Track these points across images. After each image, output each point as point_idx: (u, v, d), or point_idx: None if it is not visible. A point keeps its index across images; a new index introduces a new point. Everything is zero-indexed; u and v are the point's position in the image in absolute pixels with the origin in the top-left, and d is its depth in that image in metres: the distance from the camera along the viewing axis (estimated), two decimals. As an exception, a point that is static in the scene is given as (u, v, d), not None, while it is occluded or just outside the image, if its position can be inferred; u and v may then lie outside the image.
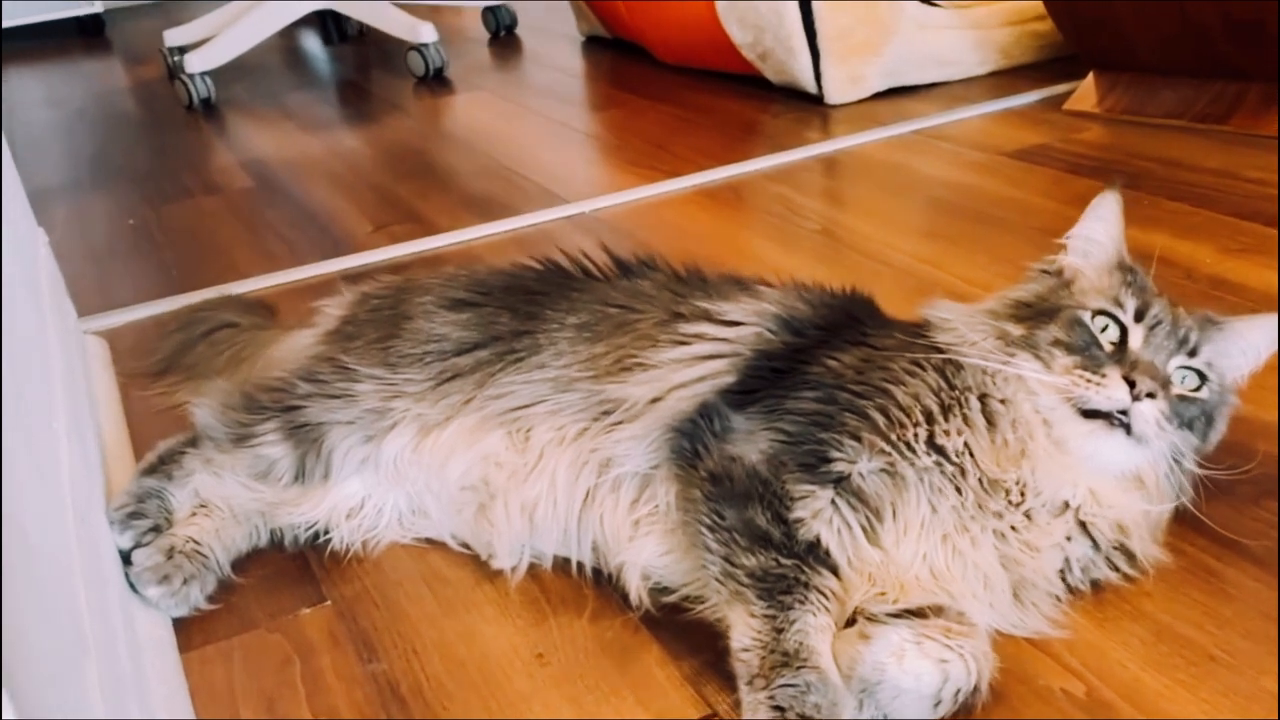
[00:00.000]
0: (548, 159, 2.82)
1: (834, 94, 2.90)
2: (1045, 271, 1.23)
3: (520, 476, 1.22)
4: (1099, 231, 1.20)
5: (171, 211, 2.66)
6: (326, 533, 1.28)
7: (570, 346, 1.28)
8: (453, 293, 1.42)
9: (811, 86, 2.93)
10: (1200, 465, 1.13)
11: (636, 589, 1.13)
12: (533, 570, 1.21)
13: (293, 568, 1.27)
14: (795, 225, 2.17)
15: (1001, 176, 2.31)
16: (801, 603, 1.00)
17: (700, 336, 1.25)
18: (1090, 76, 2.66)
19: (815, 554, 1.03)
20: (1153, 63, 2.51)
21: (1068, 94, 2.71)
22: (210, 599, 1.21)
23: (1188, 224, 1.96)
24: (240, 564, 1.26)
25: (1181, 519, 1.15)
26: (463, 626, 1.15)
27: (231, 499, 1.28)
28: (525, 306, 1.36)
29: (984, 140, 2.53)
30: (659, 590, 1.14)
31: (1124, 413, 1.07)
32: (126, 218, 2.63)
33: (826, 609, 1.01)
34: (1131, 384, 1.06)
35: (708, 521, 1.06)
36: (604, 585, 1.18)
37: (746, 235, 2.17)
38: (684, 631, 1.09)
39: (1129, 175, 2.21)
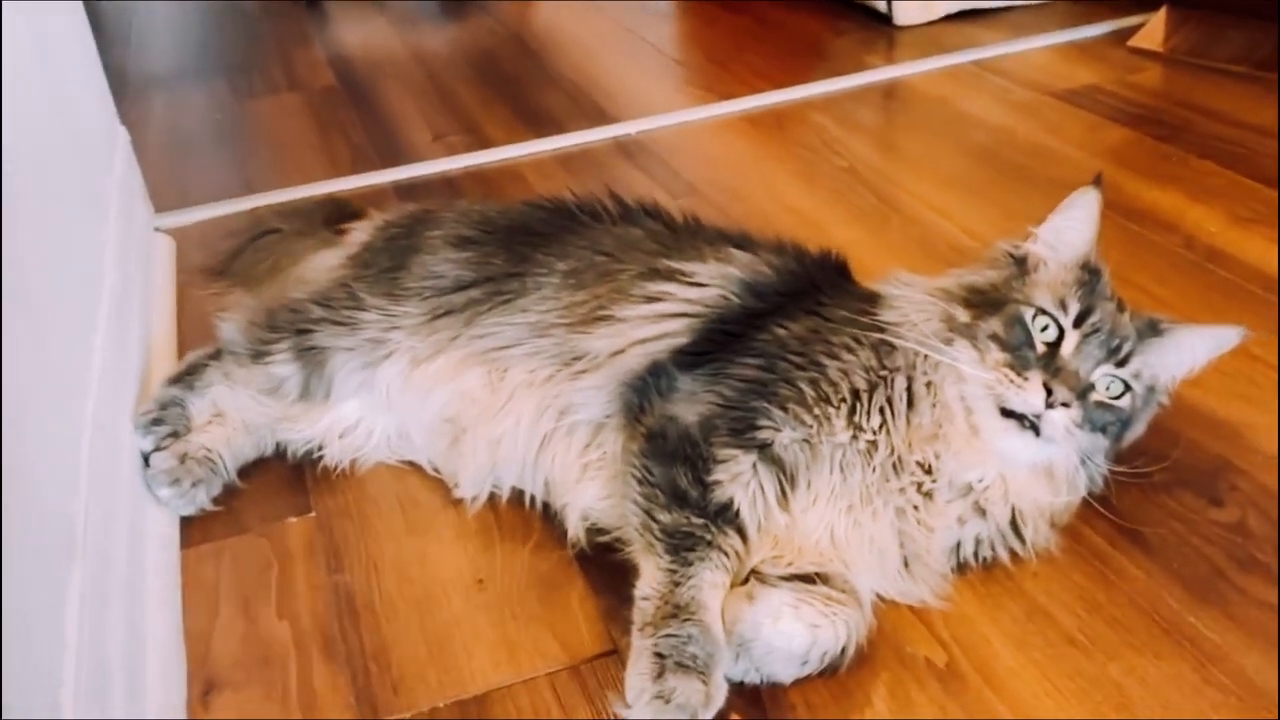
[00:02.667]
0: (609, 72, 2.89)
1: (903, 15, 2.90)
2: (1011, 255, 1.26)
3: (490, 414, 1.34)
4: (1071, 229, 1.22)
5: (255, 107, 2.82)
6: (322, 448, 1.43)
7: (554, 292, 1.39)
8: (461, 229, 1.53)
9: (882, 4, 2.92)
10: (1112, 463, 1.20)
11: (575, 527, 1.26)
12: (492, 499, 1.35)
13: (289, 478, 1.43)
14: (824, 160, 2.22)
15: (1040, 120, 2.32)
16: (702, 560, 1.11)
17: (667, 295, 1.34)
18: (1163, 10, 2.61)
19: (725, 515, 1.14)
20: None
21: (1138, 27, 2.66)
22: (215, 501, 1.38)
23: (1207, 185, 1.97)
24: (245, 470, 1.43)
25: (1089, 501, 1.23)
26: (421, 547, 1.30)
27: (244, 411, 1.44)
28: (522, 248, 1.46)
29: (1037, 76, 2.52)
30: (596, 530, 1.26)
31: (1037, 416, 1.13)
32: (216, 111, 2.80)
33: (725, 567, 1.12)
34: (1049, 391, 1.12)
35: (638, 475, 1.18)
36: (551, 520, 1.31)
37: (774, 169, 2.23)
38: (609, 571, 1.21)
39: (1168, 126, 2.20)
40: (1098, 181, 1.22)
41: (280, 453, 1.45)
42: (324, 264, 1.62)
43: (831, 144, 2.29)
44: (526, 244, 1.47)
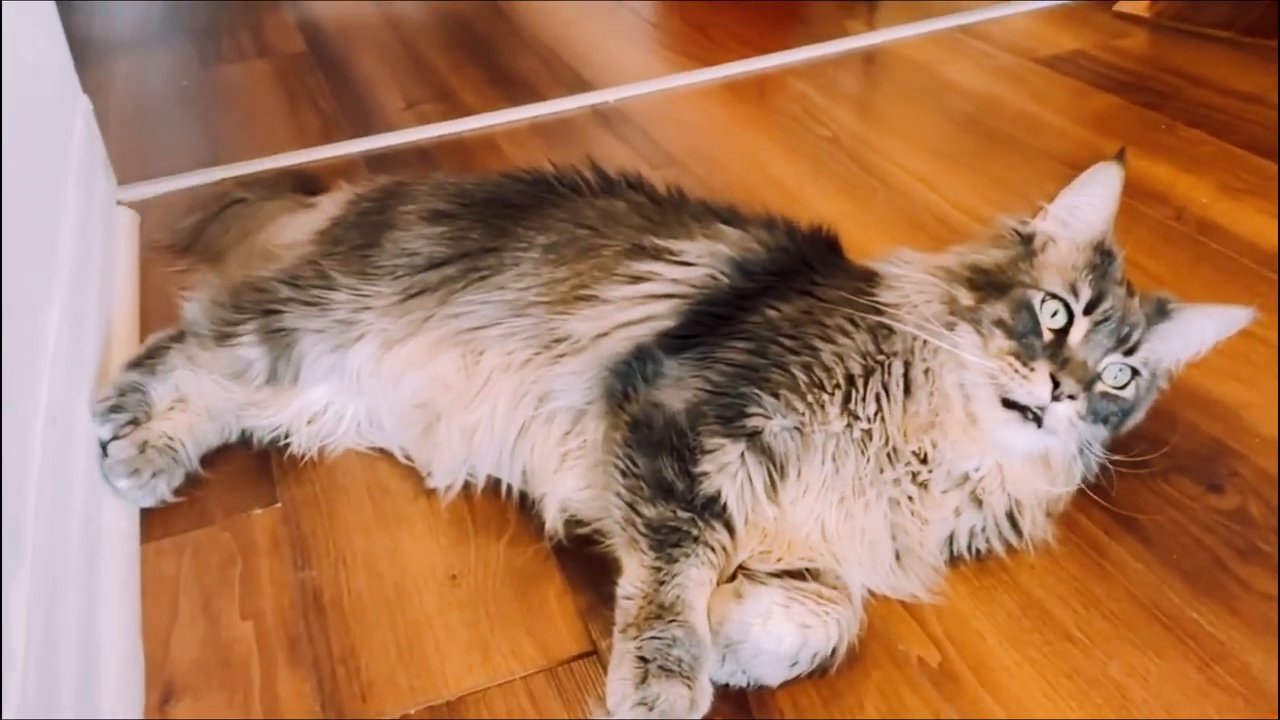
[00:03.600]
0: (585, 37, 2.82)
1: (887, -23, 2.83)
2: (1017, 232, 1.19)
3: (465, 400, 1.29)
4: (1087, 206, 1.16)
5: (222, 73, 2.72)
6: (289, 435, 1.38)
7: (533, 268, 1.33)
8: (435, 203, 1.46)
9: (864, -32, 2.86)
10: (1108, 453, 1.15)
11: (553, 519, 1.21)
12: (466, 488, 1.30)
13: (254, 466, 1.37)
14: (807, 130, 2.17)
15: (1025, 87, 2.27)
16: (688, 556, 1.06)
17: (653, 275, 1.28)
18: (1151, -26, 2.56)
19: (712, 508, 1.09)
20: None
21: (1126, -8, 2.61)
22: (177, 492, 1.32)
23: (1197, 155, 1.92)
24: (209, 459, 1.37)
25: (1084, 490, 1.19)
26: (392, 541, 1.25)
27: (208, 396, 1.38)
28: (499, 221, 1.40)
29: (1021, 42, 2.47)
30: (574, 522, 1.21)
31: (1041, 409, 1.08)
32: (182, 78, 2.71)
33: (712, 564, 1.07)
34: (1056, 384, 1.07)
35: (620, 466, 1.12)
36: (528, 511, 1.26)
37: (755, 139, 2.17)
38: (589, 565, 1.17)
39: (1155, 93, 2.15)
40: (1121, 156, 1.15)
41: (245, 440, 1.39)
42: (291, 236, 1.55)
43: (814, 112, 2.24)
44: (504, 217, 1.41)
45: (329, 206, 1.57)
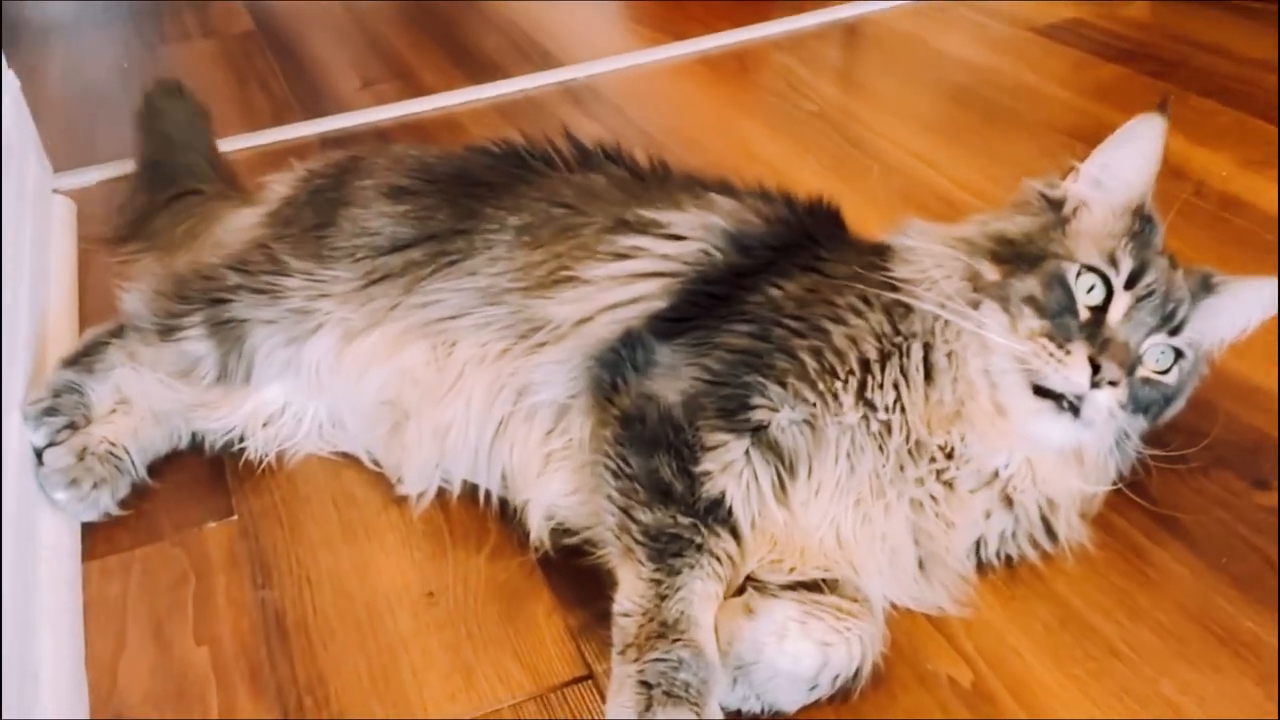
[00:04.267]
0: (552, 12, 2.70)
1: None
2: (1045, 197, 1.08)
3: (436, 396, 1.17)
4: (1126, 165, 1.05)
5: (165, 55, 2.58)
6: (243, 439, 1.25)
7: (507, 251, 1.21)
8: (395, 178, 1.34)
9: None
10: (1145, 446, 1.06)
11: (538, 528, 1.09)
12: (442, 497, 1.18)
13: (207, 475, 1.25)
14: (792, 105, 2.06)
15: (1023, 57, 2.17)
16: (691, 567, 0.95)
17: (640, 251, 1.16)
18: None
19: (716, 513, 0.98)
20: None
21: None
22: (121, 504, 1.19)
23: (1212, 126, 1.83)
24: (158, 467, 1.24)
25: (1119, 489, 1.09)
26: (361, 555, 1.13)
27: (152, 397, 1.25)
28: (468, 200, 1.28)
29: (1014, 11, 2.37)
30: (561, 531, 1.10)
31: (1078, 397, 0.98)
32: (122, 59, 2.56)
33: (718, 575, 0.96)
34: (1096, 368, 0.96)
35: (612, 467, 1.01)
36: (510, 520, 1.14)
37: (737, 115, 2.06)
38: (580, 579, 1.05)
39: (1162, 62, 2.06)
40: (1164, 107, 1.03)
41: (197, 445, 1.27)
42: (242, 223, 1.42)
43: (798, 86, 2.13)
44: (472, 196, 1.29)
45: (280, 187, 1.44)
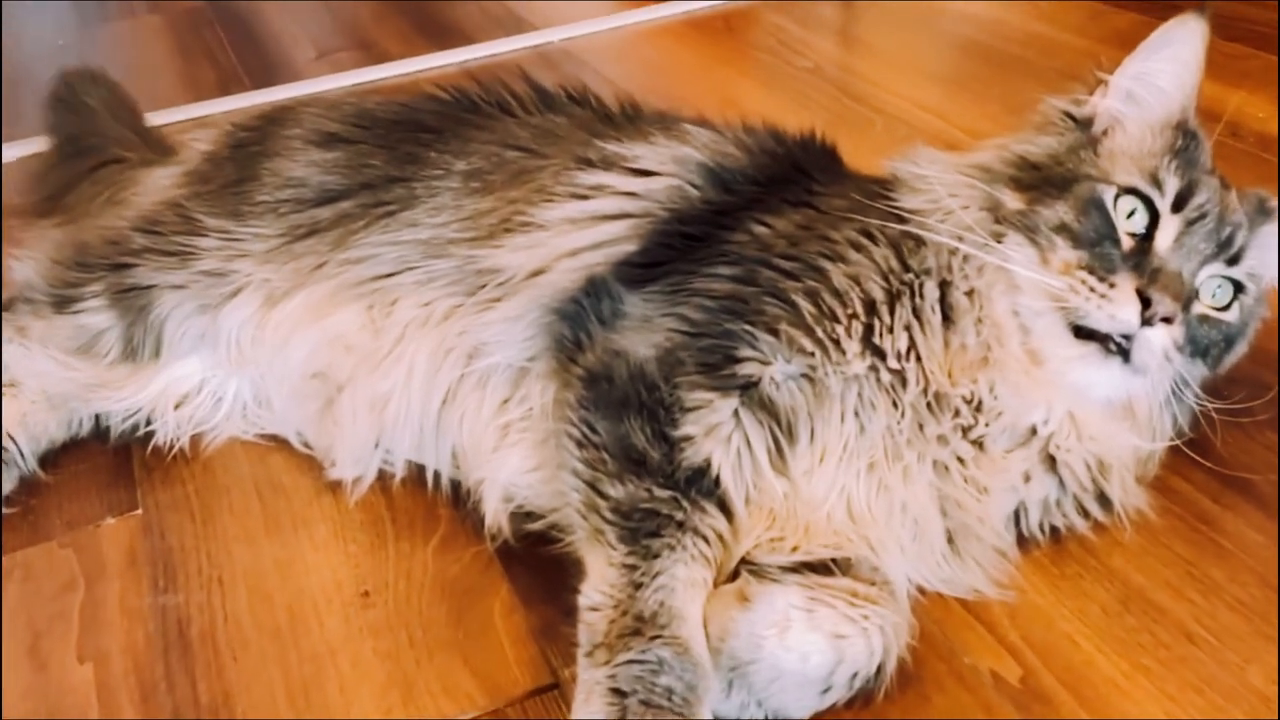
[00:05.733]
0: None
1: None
2: (1069, 116, 0.95)
3: (372, 364, 1.01)
4: (1163, 74, 0.92)
5: (107, 31, 2.42)
6: (152, 423, 1.08)
7: (453, 199, 1.05)
8: (327, 125, 1.18)
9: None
10: (1204, 397, 0.89)
11: (495, 512, 0.93)
12: (382, 480, 1.01)
13: (111, 466, 1.08)
14: (785, 62, 1.90)
15: (1032, 9, 2.03)
16: (672, 549, 0.78)
17: (603, 189, 1.01)
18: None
19: (701, 484, 0.81)
20: None
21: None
22: (8, 501, 1.02)
23: (1241, 69, 1.69)
24: (53, 458, 1.07)
25: (1177, 447, 0.92)
26: (285, 551, 0.96)
27: (46, 378, 1.08)
28: (410, 146, 1.12)
29: (1021, -36, 2.21)
30: (523, 515, 0.93)
31: (1127, 338, 0.83)
32: (58, 37, 2.40)
33: (705, 557, 0.80)
34: (1146, 302, 0.82)
35: (576, 435, 0.85)
36: (463, 504, 0.97)
37: (727, 75, 1.90)
38: (545, 571, 0.88)
39: (1181, 9, 1.88)
40: (1202, 8, 0.90)
41: (101, 433, 1.10)
42: (158, 183, 1.25)
43: (791, 44, 1.97)
44: (415, 141, 1.13)
45: (201, 144, 1.28)
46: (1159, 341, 0.83)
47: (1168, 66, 0.91)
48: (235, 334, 1.07)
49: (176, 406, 1.09)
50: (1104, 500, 0.88)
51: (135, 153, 1.44)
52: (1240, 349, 0.93)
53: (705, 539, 0.79)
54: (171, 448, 1.07)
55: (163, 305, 1.07)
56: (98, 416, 1.10)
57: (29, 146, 1.78)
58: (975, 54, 1.87)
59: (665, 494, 0.80)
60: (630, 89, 1.81)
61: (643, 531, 0.78)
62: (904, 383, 0.85)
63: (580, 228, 0.98)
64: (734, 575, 0.82)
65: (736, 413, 0.83)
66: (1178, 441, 0.90)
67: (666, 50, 2.04)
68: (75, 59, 2.21)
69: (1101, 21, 1.91)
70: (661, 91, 1.82)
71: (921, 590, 0.85)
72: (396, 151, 1.11)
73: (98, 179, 1.42)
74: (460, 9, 2.33)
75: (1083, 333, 0.84)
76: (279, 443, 1.08)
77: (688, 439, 0.82)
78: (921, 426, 0.85)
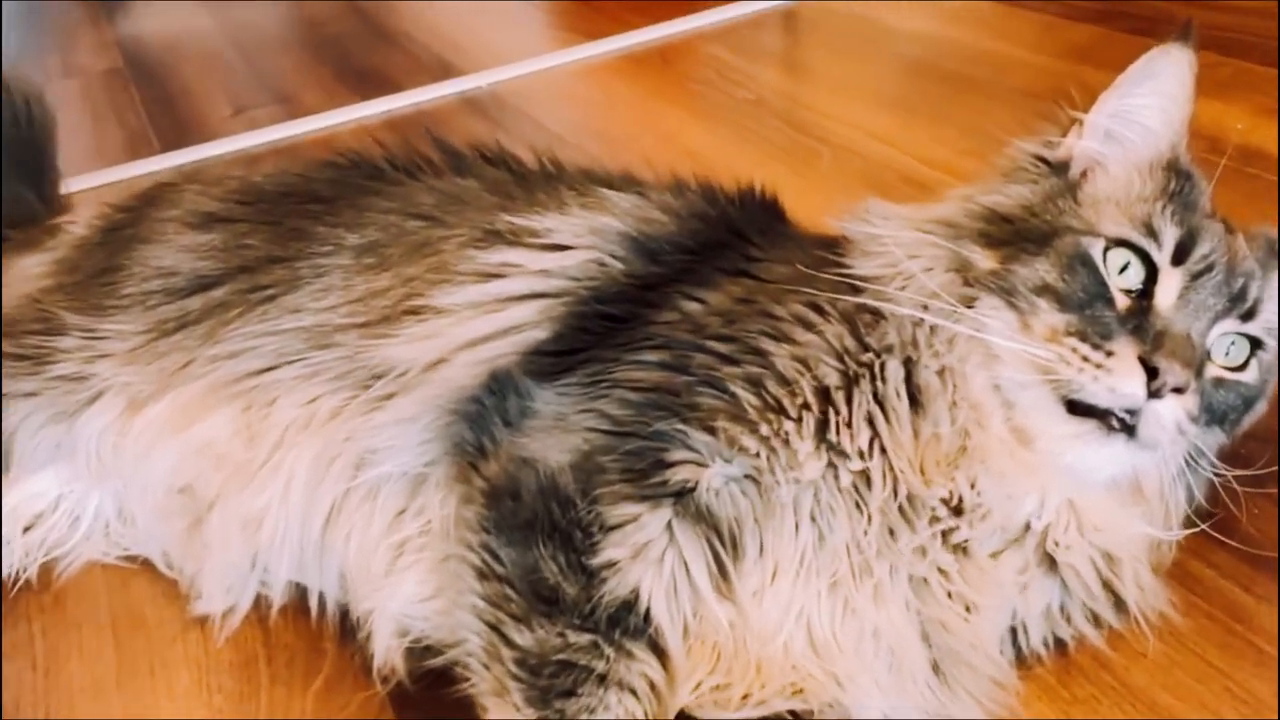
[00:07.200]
0: (457, 24, 2.40)
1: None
2: (1040, 160, 0.82)
3: (245, 476, 0.86)
4: (1146, 110, 0.81)
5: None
6: (-3, 549, 0.93)
7: (343, 279, 0.91)
8: (206, 204, 1.05)
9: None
10: (1222, 467, 0.75)
11: (386, 650, 0.78)
12: (261, 607, 0.86)
13: (-60, 605, 0.91)
14: (725, 94, 1.77)
15: (982, 26, 1.91)
16: (591, 711, 0.64)
17: (510, 268, 0.87)
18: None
19: (627, 621, 0.67)
20: None
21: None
22: None
23: (1214, 78, 1.56)
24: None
25: (1192, 525, 0.77)
26: (139, 703, 0.81)
27: None
28: (296, 220, 0.99)
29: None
30: (422, 649, 0.77)
31: (1131, 412, 0.69)
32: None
33: (634, 716, 0.64)
34: (1152, 372, 0.69)
35: (476, 564, 0.71)
36: (351, 635, 0.82)
37: (664, 109, 1.76)
38: (445, 716, 0.73)
39: (1140, 19, 1.80)
40: (1186, 33, 0.78)
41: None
42: (23, 274, 1.11)
43: (730, 75, 1.84)
44: (303, 215, 1.00)
45: (76, 227, 1.15)
46: (1170, 415, 0.69)
47: (1153, 101, 0.80)
48: (95, 444, 0.92)
49: (26, 530, 0.94)
50: (1118, 602, 0.74)
51: (22, 230, 1.29)
52: (1260, 409, 0.80)
53: (634, 692, 0.65)
54: (18, 577, 0.91)
55: (12, 416, 0.92)
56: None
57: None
58: (926, 76, 1.75)
59: (583, 639, 0.66)
60: (564, 132, 1.70)
61: (555, 691, 0.64)
62: (869, 484, 0.71)
63: (484, 313, 0.84)
64: (669, 732, 0.67)
65: (669, 526, 0.69)
66: (1199, 525, 0.76)
67: (602, 89, 1.91)
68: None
69: (1056, 36, 1.79)
70: (598, 132, 1.70)
71: (902, 727, 0.70)
72: (280, 227, 0.98)
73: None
74: (383, 55, 2.20)
75: (1078, 408, 0.71)
76: (144, 565, 0.92)
77: (610, 565, 0.67)
78: (893, 534, 0.71)
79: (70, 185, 1.68)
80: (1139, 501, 0.75)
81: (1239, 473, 0.76)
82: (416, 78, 2.04)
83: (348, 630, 0.82)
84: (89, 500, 0.94)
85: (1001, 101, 1.55)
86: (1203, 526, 0.76)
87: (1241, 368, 0.75)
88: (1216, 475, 0.76)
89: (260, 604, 0.85)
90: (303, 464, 0.84)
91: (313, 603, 0.84)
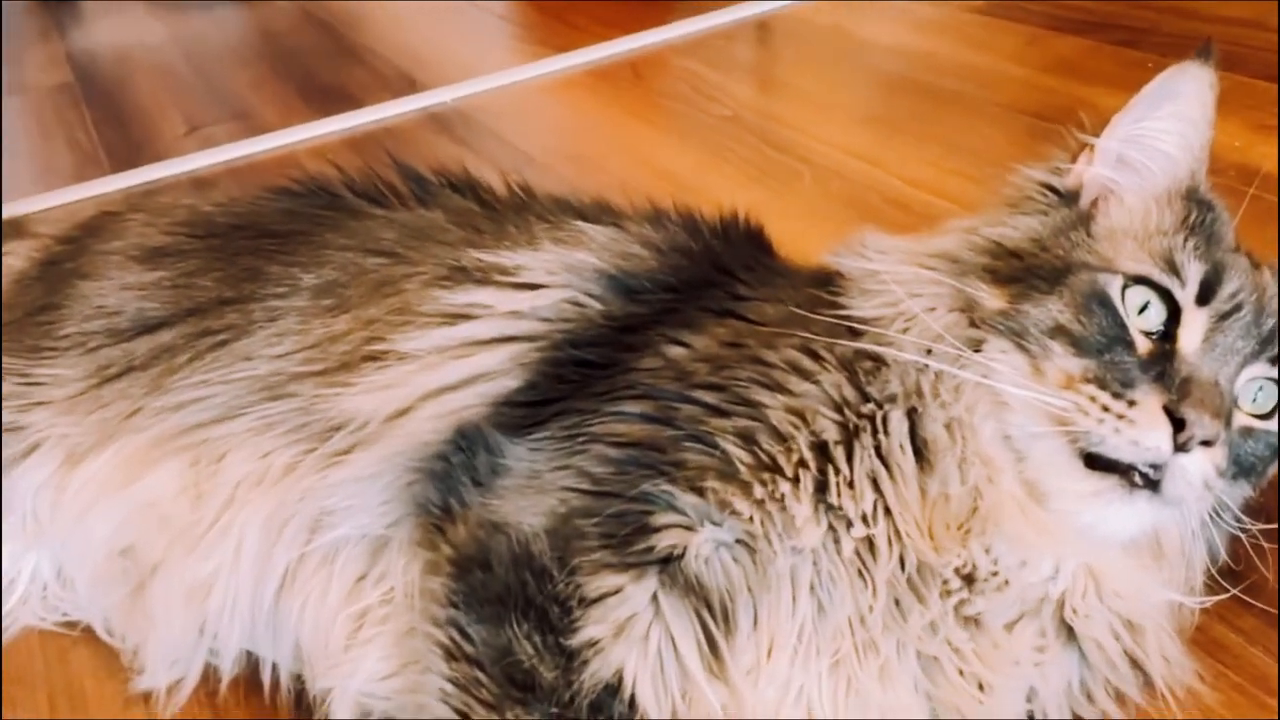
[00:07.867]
0: (421, 38, 2.34)
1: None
2: (1050, 189, 0.77)
3: (191, 539, 0.80)
4: (1164, 132, 0.76)
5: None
6: (-74, 618, 0.86)
7: (298, 323, 0.85)
8: (152, 237, 0.99)
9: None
10: (1247, 521, 0.70)
11: (348, 729, 0.71)
12: (208, 680, 0.79)
13: None
14: (700, 111, 1.71)
15: (963, 38, 1.86)
16: (572, 813, 0.58)
17: (478, 309, 0.81)
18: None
19: (610, 709, 0.62)
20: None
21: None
22: None
23: None
24: None
25: (1215, 584, 0.72)
26: (76, 793, 0.73)
27: None
28: (249, 258, 0.93)
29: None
30: (387, 729, 0.71)
31: (1156, 467, 0.64)
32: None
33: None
34: (1179, 423, 0.64)
35: (443, 642, 0.65)
36: (311, 709, 0.75)
37: (636, 127, 1.71)
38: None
39: (1129, 30, 1.76)
40: (1206, 52, 0.73)
41: None
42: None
43: (706, 90, 1.79)
44: (256, 251, 0.94)
45: (15, 260, 1.07)
46: (1198, 470, 0.65)
47: (1171, 125, 0.75)
48: (31, 500, 0.87)
49: (-44, 594, 0.86)
50: (1141, 672, 0.68)
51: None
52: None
53: (617, 788, 0.59)
54: (-52, 649, 0.84)
55: (-58, 470, 0.85)
56: None
57: None
58: (906, 90, 1.71)
59: (562, 730, 0.59)
60: (533, 152, 1.64)
61: (532, 789, 0.58)
62: (874, 552, 0.65)
63: (450, 358, 0.79)
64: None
65: (655, 599, 0.64)
66: (1228, 589, 0.71)
67: (571, 105, 1.85)
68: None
69: (1041, 48, 1.75)
70: (567, 152, 1.64)
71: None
72: (232, 265, 0.92)
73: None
74: (347, 73, 2.13)
75: (1098, 462, 0.65)
76: (85, 632, 0.85)
77: (590, 645, 0.62)
78: (901, 608, 0.65)
79: (16, 209, 1.62)
80: (1159, 560, 0.70)
81: (1264, 527, 0.71)
82: (379, 93, 1.98)
83: (304, 706, 0.75)
84: (25, 561, 0.87)
85: (987, 117, 1.50)
86: (1234, 591, 0.70)
87: (1269, 415, 0.70)
88: (1241, 530, 0.71)
89: (209, 676, 0.79)
90: (254, 525, 0.78)
91: (265, 675, 0.77)
